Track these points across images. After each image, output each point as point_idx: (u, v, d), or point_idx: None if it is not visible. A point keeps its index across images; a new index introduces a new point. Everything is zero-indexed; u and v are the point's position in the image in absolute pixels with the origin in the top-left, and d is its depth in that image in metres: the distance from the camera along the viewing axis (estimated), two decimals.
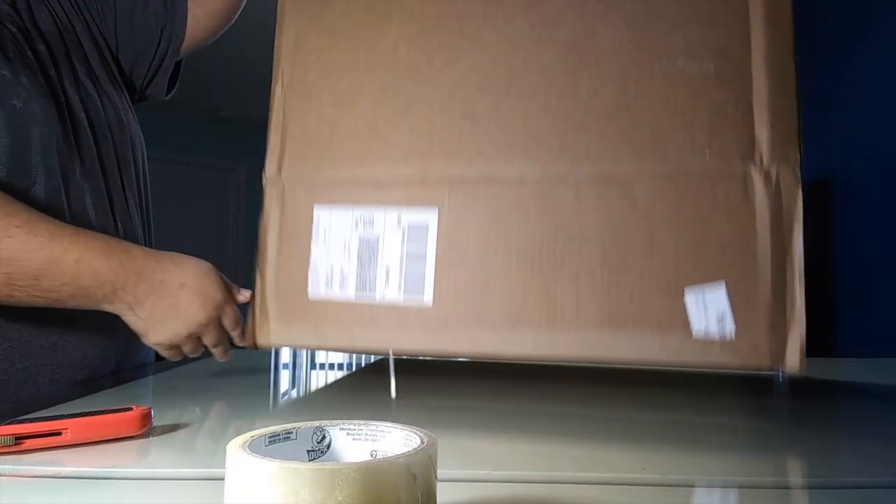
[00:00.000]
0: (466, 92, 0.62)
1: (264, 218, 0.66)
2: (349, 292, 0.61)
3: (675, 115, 0.57)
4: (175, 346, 0.66)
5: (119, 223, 0.74)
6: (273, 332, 0.63)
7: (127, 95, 0.81)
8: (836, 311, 2.44)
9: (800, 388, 0.73)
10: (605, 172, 0.58)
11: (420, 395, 0.62)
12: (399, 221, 0.61)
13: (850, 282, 2.37)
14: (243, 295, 0.68)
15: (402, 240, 0.60)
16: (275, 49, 0.70)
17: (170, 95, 0.87)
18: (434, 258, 0.59)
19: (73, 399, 0.57)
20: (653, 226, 0.56)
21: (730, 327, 0.53)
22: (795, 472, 0.41)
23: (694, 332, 0.54)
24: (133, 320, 0.63)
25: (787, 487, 0.37)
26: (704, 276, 0.54)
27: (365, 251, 0.61)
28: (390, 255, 0.61)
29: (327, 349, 0.67)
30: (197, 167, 5.15)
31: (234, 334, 0.69)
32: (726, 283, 0.53)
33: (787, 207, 0.53)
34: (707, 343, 0.53)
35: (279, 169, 0.65)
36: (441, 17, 0.64)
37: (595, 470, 0.39)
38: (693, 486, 0.37)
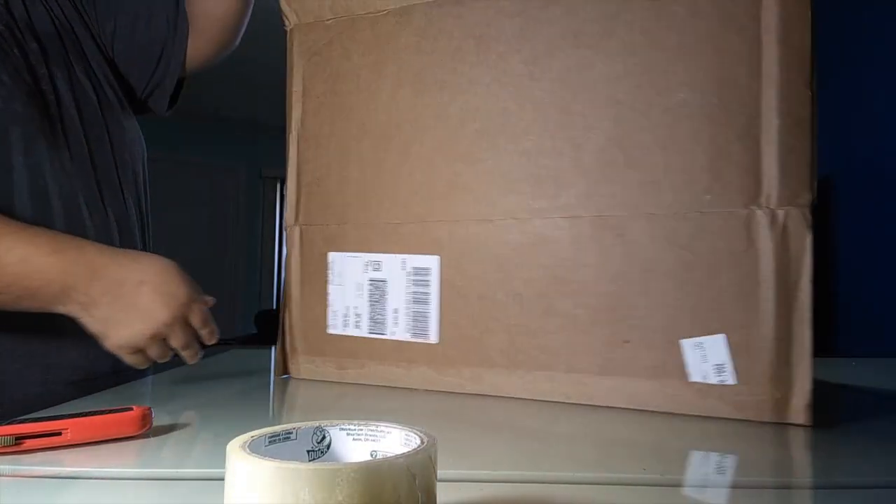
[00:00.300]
0: (463, 133, 0.62)
1: (287, 261, 0.72)
2: (363, 330, 0.66)
3: (673, 154, 0.53)
4: (139, 350, 0.61)
5: (116, 223, 0.74)
6: (302, 366, 0.70)
7: (126, 100, 0.81)
8: (836, 311, 2.44)
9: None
10: (601, 215, 0.56)
11: (420, 394, 0.62)
12: (404, 265, 0.64)
13: (851, 282, 2.37)
14: (206, 301, 0.65)
15: (408, 282, 0.64)
16: (286, 92, 0.73)
17: (169, 112, 0.87)
18: (438, 299, 0.62)
19: (70, 400, 0.57)
20: (649, 271, 0.54)
21: (730, 378, 0.51)
22: (795, 472, 0.40)
23: (692, 382, 0.52)
24: (90, 322, 0.60)
25: (787, 487, 0.37)
26: (703, 325, 0.52)
27: (375, 293, 0.66)
28: (397, 296, 0.64)
29: (347, 381, 0.68)
30: (197, 167, 5.15)
31: (204, 333, 0.64)
32: (727, 333, 0.51)
33: (794, 254, 0.49)
34: (706, 393, 0.52)
35: (296, 216, 0.71)
36: (436, 54, 0.64)
37: (595, 470, 0.39)
38: (693, 486, 0.37)
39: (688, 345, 0.52)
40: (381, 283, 0.65)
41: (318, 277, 0.69)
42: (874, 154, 2.27)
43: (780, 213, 0.50)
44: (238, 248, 5.44)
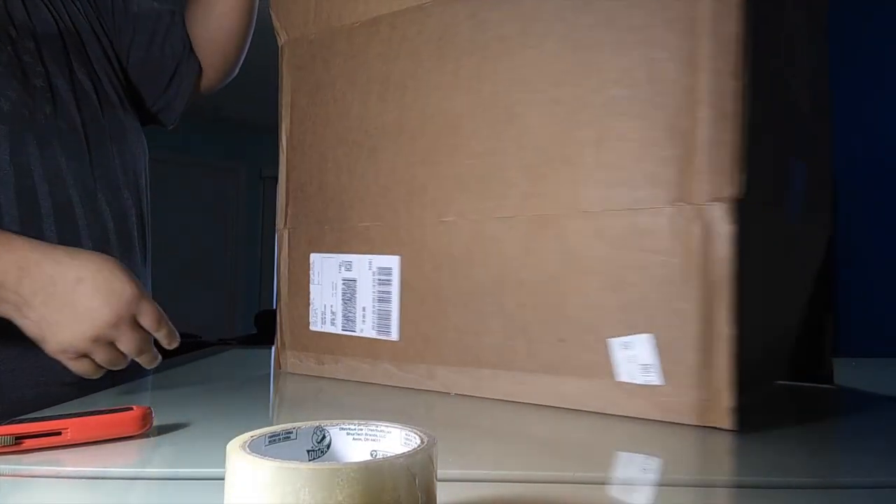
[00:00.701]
0: (422, 137, 0.63)
1: (277, 262, 0.76)
2: (338, 327, 0.70)
3: (606, 152, 0.52)
4: (83, 355, 0.57)
5: (114, 224, 0.73)
6: (289, 360, 0.75)
7: (131, 106, 0.82)
8: (836, 311, 2.44)
9: (800, 388, 0.73)
10: (540, 214, 0.56)
11: (420, 394, 0.62)
12: (370, 266, 0.67)
13: (851, 282, 2.37)
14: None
15: (374, 282, 0.67)
16: (278, 103, 0.77)
17: (173, 125, 0.91)
18: (398, 299, 0.65)
19: (67, 400, 0.57)
20: (583, 270, 0.53)
21: (657, 379, 0.50)
22: (795, 472, 0.40)
23: (621, 382, 0.51)
24: (25, 325, 0.56)
25: (787, 487, 0.37)
26: (632, 324, 0.51)
27: (347, 291, 0.69)
28: (365, 295, 0.68)
29: (326, 376, 0.71)
30: (197, 167, 5.15)
31: (160, 335, 0.59)
32: (655, 332, 0.49)
33: (718, 251, 0.47)
34: (634, 394, 0.51)
35: (285, 220, 0.76)
36: (399, 60, 0.65)
37: (595, 470, 0.39)
38: (692, 486, 0.37)
39: (616, 344, 0.51)
40: (352, 282, 0.69)
41: (302, 277, 0.73)
42: (874, 154, 2.26)
43: (704, 208, 0.48)
44: (238, 248, 5.44)
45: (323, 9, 0.72)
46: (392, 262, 0.65)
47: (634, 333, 0.50)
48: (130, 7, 0.83)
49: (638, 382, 0.50)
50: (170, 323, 0.59)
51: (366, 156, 0.68)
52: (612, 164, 0.52)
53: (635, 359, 0.50)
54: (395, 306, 0.65)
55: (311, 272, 0.73)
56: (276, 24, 0.76)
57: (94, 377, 0.59)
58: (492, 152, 0.59)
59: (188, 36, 0.86)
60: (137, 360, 0.59)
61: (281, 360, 0.75)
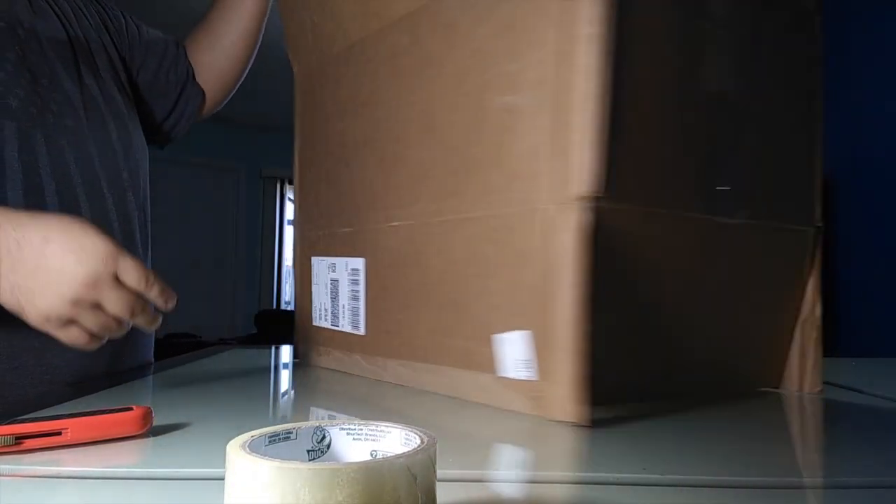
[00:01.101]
0: (379, 148, 0.69)
1: (294, 265, 0.86)
2: (329, 323, 0.78)
3: (499, 156, 0.54)
4: (69, 322, 0.53)
5: (119, 224, 0.74)
6: (302, 353, 0.84)
7: (136, 112, 0.84)
8: (836, 311, 2.44)
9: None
10: (455, 218, 0.59)
11: (420, 394, 0.62)
12: (346, 267, 0.74)
13: (851, 282, 2.37)
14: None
15: (349, 282, 0.73)
16: (294, 125, 0.87)
17: (165, 146, 0.96)
18: (364, 297, 0.71)
19: (67, 400, 0.57)
20: (485, 271, 0.56)
21: (534, 375, 0.51)
22: (795, 472, 0.41)
23: (502, 377, 0.54)
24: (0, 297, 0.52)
25: (787, 487, 0.37)
26: (511, 321, 0.53)
27: (333, 291, 0.76)
28: (344, 294, 0.75)
29: (321, 366, 0.80)
30: (197, 167, 5.15)
31: (152, 295, 0.55)
32: (531, 329, 0.51)
33: (560, 250, 0.48)
34: (513, 388, 0.53)
35: (298, 227, 0.85)
36: (364, 77, 0.71)
37: (595, 470, 0.39)
38: (692, 487, 0.37)
39: (498, 340, 0.54)
40: (336, 282, 0.76)
41: (307, 279, 0.82)
42: (874, 154, 2.26)
43: (550, 211, 0.50)
44: (238, 248, 5.44)
45: (318, 40, 0.80)
46: (359, 263, 0.72)
47: (514, 331, 0.53)
48: (142, 33, 0.88)
49: (518, 378, 0.53)
50: (160, 280, 0.55)
51: (343, 167, 0.75)
52: (505, 167, 0.54)
53: (515, 354, 0.53)
54: (362, 304, 0.71)
55: (312, 273, 0.80)
56: (291, 57, 0.87)
57: (92, 347, 0.55)
58: (420, 162, 0.63)
59: (191, 65, 0.92)
60: (134, 323, 0.55)
61: (298, 351, 0.85)
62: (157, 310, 0.57)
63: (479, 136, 0.56)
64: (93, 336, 0.55)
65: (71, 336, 0.54)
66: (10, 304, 0.53)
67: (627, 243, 0.51)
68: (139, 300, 0.55)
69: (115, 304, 0.53)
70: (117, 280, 0.53)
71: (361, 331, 0.71)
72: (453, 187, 0.59)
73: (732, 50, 0.60)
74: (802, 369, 0.68)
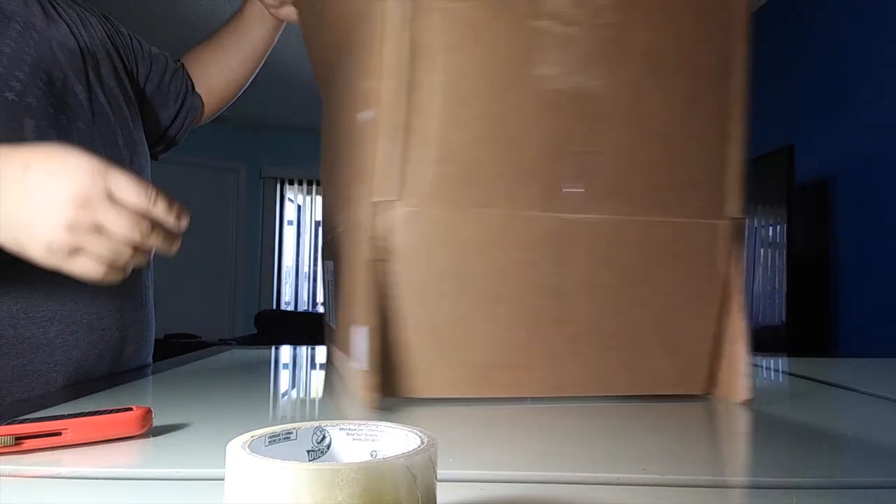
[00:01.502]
0: (350, 151, 0.69)
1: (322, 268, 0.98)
2: (329, 319, 0.83)
3: (368, 163, 0.59)
4: (75, 251, 0.49)
5: None
6: (327, 349, 0.90)
7: (140, 121, 0.86)
8: (836, 311, 2.44)
9: (799, 387, 0.73)
10: (356, 222, 0.64)
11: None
12: (330, 269, 0.79)
13: (850, 282, 2.37)
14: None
15: (332, 283, 0.78)
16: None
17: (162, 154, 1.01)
18: (334, 296, 0.76)
19: (70, 400, 0.57)
20: (348, 269, 0.62)
21: (364, 366, 0.56)
22: (795, 472, 0.41)
23: (357, 368, 0.58)
24: None
25: (787, 487, 0.37)
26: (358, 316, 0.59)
27: (329, 290, 0.82)
28: (330, 293, 0.80)
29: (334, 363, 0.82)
30: (197, 167, 5.15)
31: (159, 211, 0.51)
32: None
33: (380, 252, 0.56)
34: (357, 376, 0.57)
35: (323, 233, 0.91)
36: (345, 82, 0.72)
37: (595, 470, 0.39)
38: (693, 487, 0.37)
39: (352, 332, 0.59)
40: (330, 283, 0.80)
41: (326, 281, 0.87)
42: (874, 154, 2.27)
43: (381, 204, 0.55)
44: (238, 248, 5.44)
45: (325, 49, 0.82)
46: (332, 266, 0.77)
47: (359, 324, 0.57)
48: (144, 48, 0.92)
49: (360, 367, 0.56)
50: (164, 194, 0.51)
51: (329, 172, 0.80)
52: (375, 171, 0.57)
53: (359, 347, 0.57)
54: (334, 302, 0.76)
55: (324, 275, 0.87)
56: (314, 72, 0.91)
57: (112, 279, 0.52)
58: (342, 174, 0.68)
59: (190, 77, 0.97)
60: (149, 245, 0.51)
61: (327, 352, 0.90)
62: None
63: (360, 149, 0.61)
64: (109, 267, 0.51)
65: (83, 267, 0.50)
66: (9, 243, 0.50)
67: (445, 240, 0.56)
68: (145, 219, 0.51)
69: (116, 223, 0.49)
70: (113, 198, 0.49)
71: (335, 327, 0.76)
72: (354, 196, 0.63)
73: (588, 46, 0.57)
74: (728, 375, 0.62)
